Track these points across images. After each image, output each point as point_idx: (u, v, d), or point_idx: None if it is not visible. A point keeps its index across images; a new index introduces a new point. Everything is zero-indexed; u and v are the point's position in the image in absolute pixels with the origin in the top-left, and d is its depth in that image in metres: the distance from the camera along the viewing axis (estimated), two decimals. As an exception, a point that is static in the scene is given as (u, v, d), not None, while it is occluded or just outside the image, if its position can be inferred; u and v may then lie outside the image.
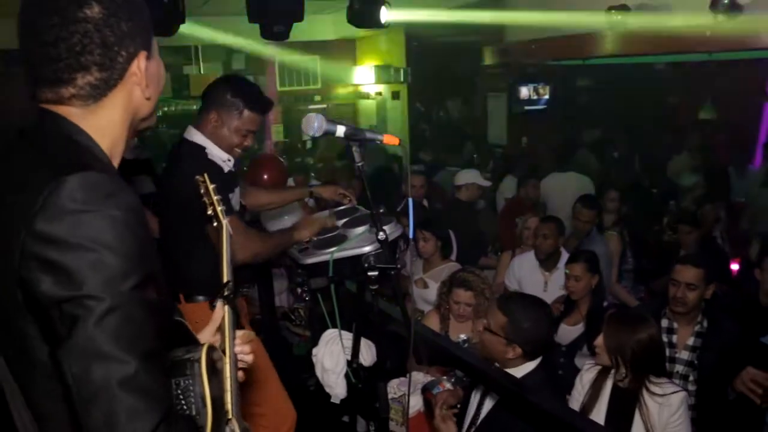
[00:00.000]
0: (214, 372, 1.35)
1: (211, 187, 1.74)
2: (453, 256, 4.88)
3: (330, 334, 2.99)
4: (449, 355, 2.88)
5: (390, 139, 1.94)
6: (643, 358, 2.70)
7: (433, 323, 3.79)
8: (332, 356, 2.92)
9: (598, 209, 5.15)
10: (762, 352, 3.30)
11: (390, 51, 11.23)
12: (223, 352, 1.44)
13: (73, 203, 1.10)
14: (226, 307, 1.51)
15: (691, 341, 3.34)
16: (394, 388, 3.14)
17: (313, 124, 1.90)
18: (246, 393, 1.53)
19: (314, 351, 3.04)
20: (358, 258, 2.34)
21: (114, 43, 1.25)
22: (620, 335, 2.73)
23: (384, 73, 11.09)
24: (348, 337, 2.91)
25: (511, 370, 2.61)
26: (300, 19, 5.59)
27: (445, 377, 2.98)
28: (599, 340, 2.80)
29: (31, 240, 1.09)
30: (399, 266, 2.21)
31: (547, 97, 10.39)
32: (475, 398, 2.75)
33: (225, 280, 1.56)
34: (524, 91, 10.32)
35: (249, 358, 1.57)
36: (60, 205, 1.10)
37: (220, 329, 1.52)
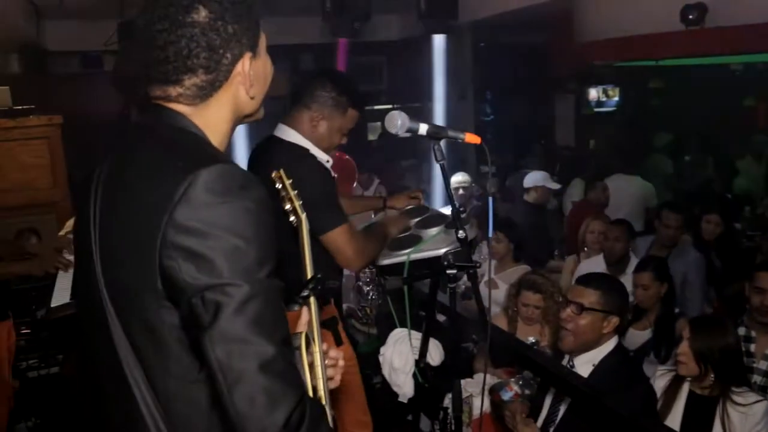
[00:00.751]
0: (308, 349, 1.42)
1: (287, 182, 1.77)
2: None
3: (398, 334, 3.00)
4: (520, 355, 2.86)
5: (471, 138, 1.94)
6: (730, 364, 2.64)
7: (501, 325, 3.77)
8: (401, 356, 2.93)
9: (686, 214, 4.82)
10: None
11: (456, 51, 11.18)
12: (313, 340, 1.50)
13: (210, 195, 1.16)
14: (312, 299, 1.56)
15: (768, 350, 3.24)
16: (461, 388, 3.13)
17: (397, 122, 1.92)
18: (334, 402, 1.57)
19: (382, 350, 3.06)
20: (433, 259, 2.34)
21: (219, 46, 1.30)
22: (709, 340, 2.69)
23: (450, 73, 11.06)
24: (416, 336, 2.92)
25: (600, 349, 2.73)
26: (367, 19, 5.65)
27: (512, 379, 2.96)
28: (683, 348, 2.73)
29: (172, 230, 1.15)
30: (478, 264, 2.20)
31: (617, 99, 10.18)
32: (548, 400, 2.73)
33: (309, 276, 1.60)
34: (593, 93, 10.14)
35: (340, 363, 1.60)
36: (198, 197, 1.16)
37: (309, 323, 1.57)
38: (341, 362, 1.60)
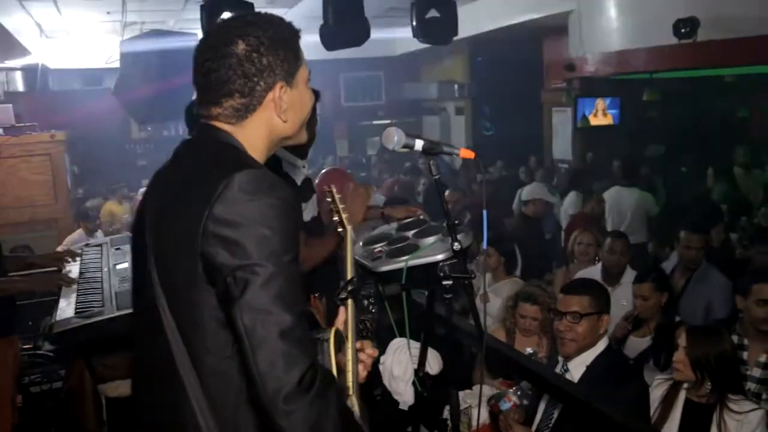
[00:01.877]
0: (340, 352, 1.63)
1: (337, 197, 2.01)
2: (517, 272, 4.87)
3: (397, 343, 3.03)
4: (517, 366, 2.90)
5: (466, 153, 1.98)
6: (726, 372, 2.69)
7: (499, 338, 3.80)
8: (401, 364, 2.96)
9: (708, 232, 4.65)
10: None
11: (454, 67, 11.27)
12: (347, 338, 1.72)
13: (243, 194, 1.39)
14: (350, 301, 1.78)
15: (763, 358, 3.26)
16: (460, 400, 3.16)
17: (393, 138, 1.96)
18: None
19: (381, 359, 3.09)
20: (430, 266, 2.38)
21: (254, 74, 1.51)
22: (705, 347, 2.73)
23: (448, 88, 11.14)
24: (415, 346, 2.95)
25: (592, 350, 2.82)
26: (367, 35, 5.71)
27: (511, 390, 2.99)
28: (679, 356, 2.77)
29: (211, 222, 1.38)
30: (473, 276, 2.25)
31: (614, 112, 10.24)
32: (542, 405, 2.77)
33: (348, 277, 1.82)
34: (589, 106, 10.20)
35: (368, 360, 1.81)
36: (233, 195, 1.39)
37: (345, 321, 1.79)
38: (370, 360, 1.80)
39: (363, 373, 1.77)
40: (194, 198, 1.42)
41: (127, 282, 2.98)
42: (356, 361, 1.70)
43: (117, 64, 7.93)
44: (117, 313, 2.74)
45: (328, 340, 1.59)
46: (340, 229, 1.95)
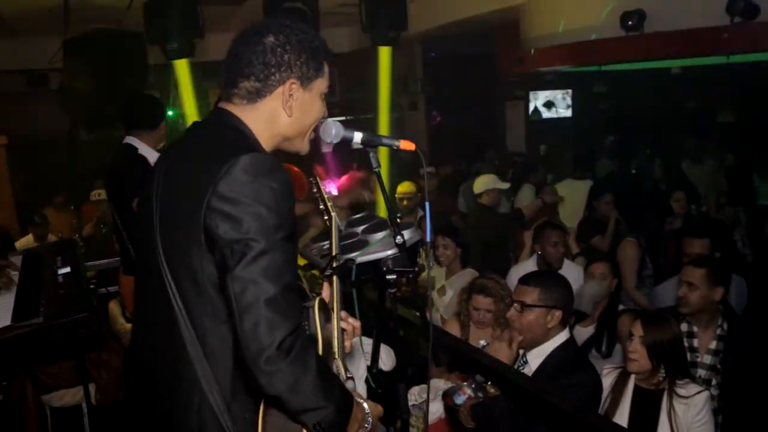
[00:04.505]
0: (327, 319, 1.79)
1: (322, 187, 2.15)
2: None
3: (349, 341, 3.01)
4: (470, 359, 2.89)
5: (406, 145, 1.96)
6: (678, 357, 2.75)
7: (453, 330, 3.79)
8: (353, 361, 2.94)
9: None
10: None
11: (407, 62, 11.27)
12: (332, 309, 1.90)
13: (245, 174, 1.55)
14: (335, 277, 1.96)
15: (713, 345, 3.32)
16: (415, 394, 3.14)
17: (331, 131, 1.94)
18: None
19: (334, 357, 3.06)
20: (379, 262, 2.36)
21: (273, 65, 1.71)
22: (660, 333, 2.78)
23: (401, 83, 11.13)
24: (367, 342, 2.93)
25: (551, 341, 2.83)
26: (199, 36, 5.62)
27: (465, 383, 2.99)
28: (635, 346, 2.80)
29: (215, 198, 1.54)
30: (417, 269, 2.24)
31: (565, 104, 10.37)
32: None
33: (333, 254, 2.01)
34: (541, 99, 10.32)
35: (349, 328, 2.00)
36: (236, 175, 1.55)
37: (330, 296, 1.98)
38: (351, 328, 2.00)
39: (347, 342, 1.97)
40: (203, 175, 1.58)
41: (65, 288, 2.89)
42: (341, 330, 1.88)
43: (61, 65, 7.73)
44: (58, 321, 2.66)
45: (312, 307, 1.74)
46: (325, 217, 2.09)
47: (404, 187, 5.95)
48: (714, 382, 3.27)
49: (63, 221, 7.89)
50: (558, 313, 2.82)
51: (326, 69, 1.80)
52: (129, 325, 4.03)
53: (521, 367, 2.85)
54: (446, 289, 4.49)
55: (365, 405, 1.82)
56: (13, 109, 9.59)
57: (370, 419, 1.82)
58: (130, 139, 3.77)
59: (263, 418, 1.63)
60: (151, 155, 3.69)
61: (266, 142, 1.77)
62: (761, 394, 3.14)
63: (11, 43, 9.33)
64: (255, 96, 1.73)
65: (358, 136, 1.98)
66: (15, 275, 3.25)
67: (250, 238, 1.51)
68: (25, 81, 10.45)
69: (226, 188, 1.54)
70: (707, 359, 3.32)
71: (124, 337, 4.19)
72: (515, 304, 2.88)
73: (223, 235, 1.53)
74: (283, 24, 1.74)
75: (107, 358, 3.84)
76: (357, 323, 2.00)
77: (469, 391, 2.91)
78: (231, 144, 1.65)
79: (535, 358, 2.85)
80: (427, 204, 2.07)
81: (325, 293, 1.92)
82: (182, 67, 5.63)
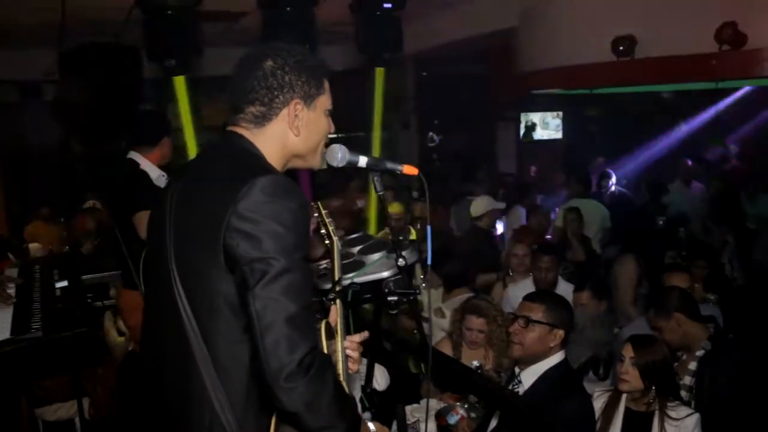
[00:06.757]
0: (331, 339, 1.81)
1: (324, 212, 2.18)
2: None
3: (344, 360, 3.02)
4: (463, 380, 2.92)
5: (409, 170, 2.00)
6: (668, 377, 2.80)
7: (446, 350, 3.82)
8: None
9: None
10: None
11: (400, 81, 11.34)
12: (336, 332, 1.91)
13: (264, 195, 1.59)
14: (338, 300, 1.97)
15: (692, 366, 3.37)
16: (408, 414, 3.17)
17: (337, 155, 1.97)
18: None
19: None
20: (376, 283, 2.38)
21: (275, 88, 1.76)
22: (650, 355, 2.85)
23: (394, 103, 11.18)
24: (362, 362, 2.94)
25: (546, 361, 2.84)
26: (198, 53, 5.65)
27: (458, 403, 3.01)
28: (626, 367, 2.85)
29: (235, 218, 1.58)
30: (418, 291, 2.28)
31: (556, 125, 10.47)
32: (493, 422, 2.80)
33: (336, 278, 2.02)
34: (533, 121, 10.41)
35: (355, 355, 1.98)
36: (255, 195, 1.59)
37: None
38: (356, 354, 1.98)
39: (354, 366, 1.97)
40: (221, 196, 1.61)
41: (64, 301, 2.90)
42: (345, 355, 1.89)
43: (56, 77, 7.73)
44: (58, 335, 2.67)
45: (318, 330, 1.76)
46: (327, 241, 2.11)
47: (392, 209, 5.99)
48: (693, 404, 3.29)
49: (51, 234, 7.80)
50: (560, 333, 2.85)
51: (327, 86, 1.85)
52: (121, 339, 4.03)
53: (515, 387, 2.88)
54: (444, 311, 4.51)
55: (371, 426, 1.85)
56: (5, 119, 9.57)
57: None
58: (133, 155, 3.79)
59: None
60: (153, 171, 3.73)
61: (277, 162, 1.81)
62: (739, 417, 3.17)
63: (5, 54, 9.32)
64: (262, 120, 1.77)
65: (363, 161, 2.02)
66: (12, 289, 3.26)
67: (271, 257, 1.55)
68: (18, 91, 10.42)
69: (246, 208, 1.57)
70: (687, 380, 3.37)
71: (115, 351, 4.19)
72: (519, 319, 2.89)
73: (243, 254, 1.56)
74: (279, 47, 1.79)
75: (102, 373, 3.83)
76: (360, 348, 2.01)
77: (462, 411, 2.93)
78: (247, 166, 1.70)
79: (529, 377, 2.87)
80: (428, 227, 2.11)
81: (332, 317, 1.95)
82: (180, 83, 5.64)
